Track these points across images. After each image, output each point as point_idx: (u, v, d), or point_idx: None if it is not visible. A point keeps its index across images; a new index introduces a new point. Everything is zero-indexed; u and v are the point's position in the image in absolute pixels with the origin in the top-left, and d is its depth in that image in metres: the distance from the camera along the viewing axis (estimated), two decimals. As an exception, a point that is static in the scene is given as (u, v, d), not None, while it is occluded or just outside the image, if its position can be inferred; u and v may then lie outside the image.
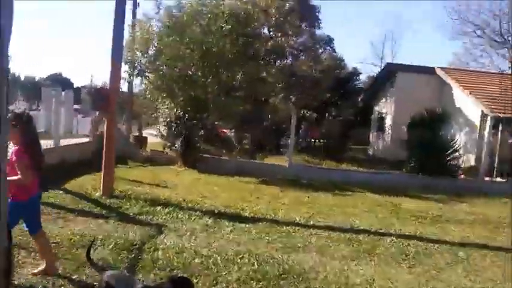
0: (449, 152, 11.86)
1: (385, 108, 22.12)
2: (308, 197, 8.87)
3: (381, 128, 22.39)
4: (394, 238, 6.09)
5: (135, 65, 13.37)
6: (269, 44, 15.59)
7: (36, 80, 52.07)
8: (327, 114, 26.18)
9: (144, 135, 17.94)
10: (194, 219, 6.45)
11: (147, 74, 13.07)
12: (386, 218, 7.44)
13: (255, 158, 14.27)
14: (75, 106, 20.70)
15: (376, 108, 23.82)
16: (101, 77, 70.61)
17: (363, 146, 24.55)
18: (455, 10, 30.77)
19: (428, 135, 11.65)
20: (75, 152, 10.81)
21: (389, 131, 20.51)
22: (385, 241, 5.96)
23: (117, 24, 7.58)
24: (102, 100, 7.40)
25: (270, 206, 7.82)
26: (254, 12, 13.63)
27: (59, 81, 42.95)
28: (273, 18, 17.19)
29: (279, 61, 18.01)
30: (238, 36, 12.49)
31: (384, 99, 22.60)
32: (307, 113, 20.33)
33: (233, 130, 17.76)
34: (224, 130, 17.07)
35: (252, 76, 13.55)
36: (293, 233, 6.08)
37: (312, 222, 6.72)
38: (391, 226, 6.82)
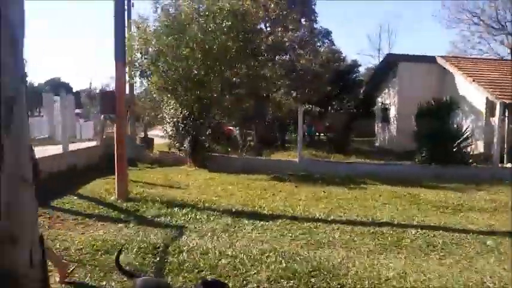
0: (460, 140, 11.74)
1: (388, 98, 22.04)
2: (324, 191, 8.75)
3: (385, 119, 22.31)
4: (418, 230, 5.98)
5: (136, 65, 13.24)
6: (269, 39, 15.41)
7: (35, 85, 51.93)
8: (329, 107, 26.12)
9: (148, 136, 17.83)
10: (213, 219, 6.35)
11: (149, 74, 12.91)
12: (406, 209, 7.32)
13: (261, 155, 14.19)
14: (76, 110, 20.57)
15: (379, 99, 23.72)
16: (100, 79, 69.88)
17: (367, 138, 24.50)
18: (450, -1, 30.78)
19: (438, 124, 11.54)
20: (84, 156, 10.72)
21: (394, 122, 20.43)
22: (409, 233, 5.86)
23: (118, 25, 7.43)
24: (110, 103, 7.26)
25: (287, 202, 7.71)
26: (253, 8, 13.47)
27: (59, 86, 42.73)
28: (273, 13, 16.99)
29: (279, 56, 17.84)
30: (239, 33, 12.34)
31: (386, 90, 22.52)
32: (309, 107, 20.24)
33: (237, 128, 17.70)
34: (230, 128, 16.96)
35: (254, 72, 13.44)
36: (315, 229, 5.97)
37: (332, 217, 6.60)
38: (413, 217, 6.71)
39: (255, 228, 5.93)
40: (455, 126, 12.09)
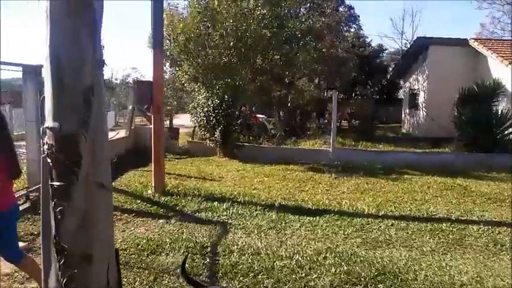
0: (505, 126, 10.99)
1: (417, 84, 21.24)
2: (367, 183, 8.30)
3: (413, 105, 21.54)
4: (480, 226, 5.54)
5: (167, 54, 12.94)
6: (304, 25, 14.79)
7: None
8: (353, 94, 25.41)
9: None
10: (256, 214, 6.03)
11: (180, 63, 12.60)
12: (461, 203, 6.84)
13: (289, 144, 13.67)
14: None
15: (407, 84, 22.93)
16: (121, 69, 69.15)
17: (391, 125, 23.79)
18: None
19: (481, 109, 10.87)
20: (114, 147, 10.45)
21: (423, 108, 19.67)
22: (471, 230, 5.43)
23: (156, 10, 7.07)
24: (147, 94, 6.91)
25: (330, 195, 7.31)
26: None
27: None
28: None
29: (312, 42, 17.22)
30: (273, 20, 11.85)
31: (415, 75, 21.69)
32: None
33: (265, 116, 17.29)
34: (258, 116, 16.54)
35: (287, 58, 12.96)
36: (367, 225, 5.59)
37: (383, 212, 6.19)
38: (471, 212, 6.24)
39: (303, 225, 5.59)
40: (499, 111, 11.34)
